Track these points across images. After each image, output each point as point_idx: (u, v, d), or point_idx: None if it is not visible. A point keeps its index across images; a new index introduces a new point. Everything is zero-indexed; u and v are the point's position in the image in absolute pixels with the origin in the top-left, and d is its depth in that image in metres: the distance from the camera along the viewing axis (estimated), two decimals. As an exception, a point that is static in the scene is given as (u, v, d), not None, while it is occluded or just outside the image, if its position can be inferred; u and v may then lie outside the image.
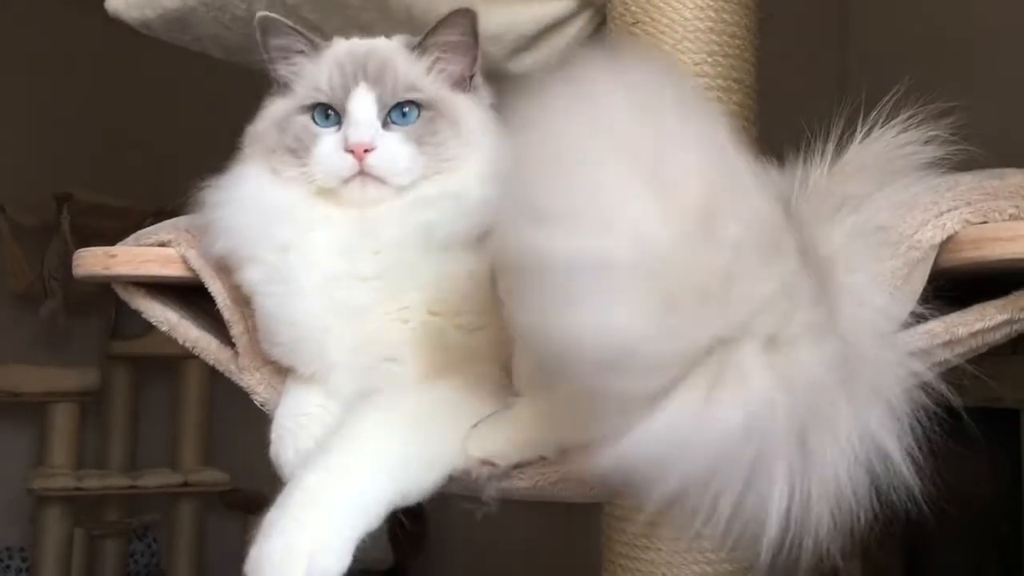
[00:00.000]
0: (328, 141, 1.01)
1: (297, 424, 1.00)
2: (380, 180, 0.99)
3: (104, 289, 3.81)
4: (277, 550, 0.81)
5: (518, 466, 0.93)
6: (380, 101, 1.01)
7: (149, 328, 3.96)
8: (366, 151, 0.98)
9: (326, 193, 1.00)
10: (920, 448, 0.73)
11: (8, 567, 3.76)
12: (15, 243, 3.73)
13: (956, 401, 0.76)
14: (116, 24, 1.80)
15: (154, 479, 3.63)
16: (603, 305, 0.64)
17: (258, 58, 1.88)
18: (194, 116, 4.05)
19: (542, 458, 0.93)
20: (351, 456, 0.88)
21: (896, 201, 0.82)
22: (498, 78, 1.11)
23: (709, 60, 1.59)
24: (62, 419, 3.56)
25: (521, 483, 0.93)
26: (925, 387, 0.75)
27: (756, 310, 0.66)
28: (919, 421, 0.73)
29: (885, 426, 0.71)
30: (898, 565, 2.41)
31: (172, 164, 4.02)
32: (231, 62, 1.92)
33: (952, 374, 0.79)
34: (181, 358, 3.72)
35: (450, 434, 0.93)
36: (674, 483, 0.66)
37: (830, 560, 0.71)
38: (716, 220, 0.65)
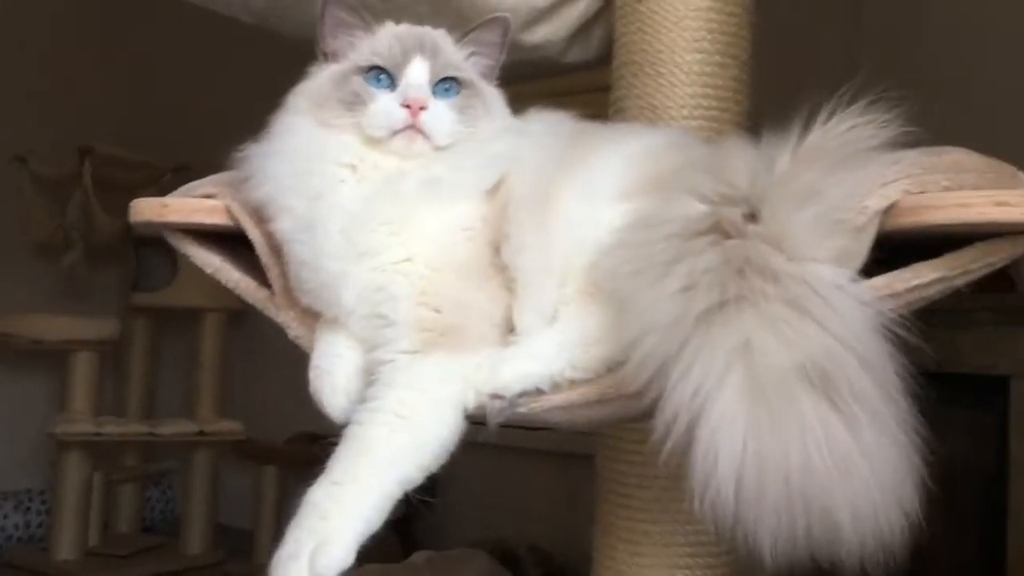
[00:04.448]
0: (384, 98, 1.14)
1: (331, 364, 1.14)
2: (426, 136, 1.13)
3: (123, 242, 3.89)
4: (290, 553, 0.97)
5: (520, 395, 1.06)
6: (432, 71, 1.16)
7: (168, 281, 4.06)
8: (421, 108, 1.12)
9: (372, 143, 1.13)
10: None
11: (29, 509, 3.88)
12: (37, 195, 3.79)
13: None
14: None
15: (171, 428, 3.71)
16: None
17: (284, 24, 1.95)
18: (213, 75, 4.13)
19: (538, 390, 1.07)
20: (346, 469, 1.02)
21: (848, 184, 0.94)
22: (511, 49, 1.24)
23: (708, 37, 1.68)
24: (82, 367, 3.64)
25: (520, 411, 1.07)
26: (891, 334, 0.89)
27: None
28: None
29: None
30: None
31: (190, 121, 4.11)
32: (253, 25, 2.00)
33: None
34: (199, 311, 3.83)
35: (435, 412, 1.05)
36: None
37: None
38: None
